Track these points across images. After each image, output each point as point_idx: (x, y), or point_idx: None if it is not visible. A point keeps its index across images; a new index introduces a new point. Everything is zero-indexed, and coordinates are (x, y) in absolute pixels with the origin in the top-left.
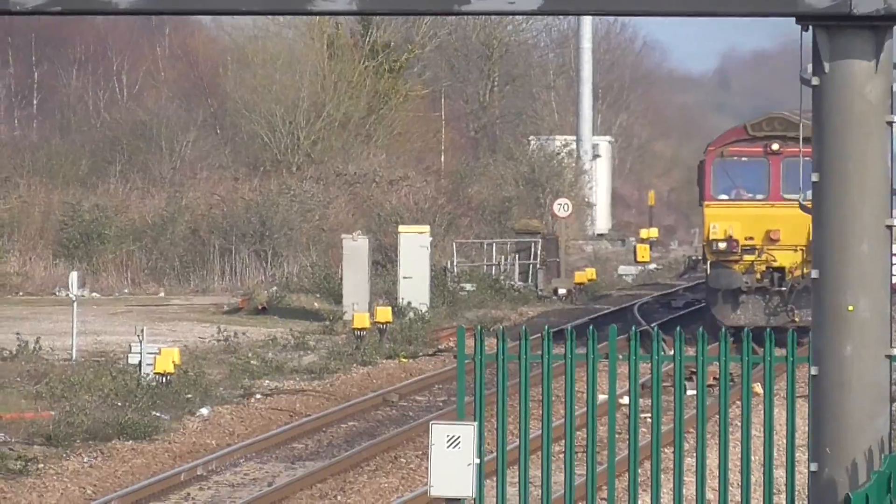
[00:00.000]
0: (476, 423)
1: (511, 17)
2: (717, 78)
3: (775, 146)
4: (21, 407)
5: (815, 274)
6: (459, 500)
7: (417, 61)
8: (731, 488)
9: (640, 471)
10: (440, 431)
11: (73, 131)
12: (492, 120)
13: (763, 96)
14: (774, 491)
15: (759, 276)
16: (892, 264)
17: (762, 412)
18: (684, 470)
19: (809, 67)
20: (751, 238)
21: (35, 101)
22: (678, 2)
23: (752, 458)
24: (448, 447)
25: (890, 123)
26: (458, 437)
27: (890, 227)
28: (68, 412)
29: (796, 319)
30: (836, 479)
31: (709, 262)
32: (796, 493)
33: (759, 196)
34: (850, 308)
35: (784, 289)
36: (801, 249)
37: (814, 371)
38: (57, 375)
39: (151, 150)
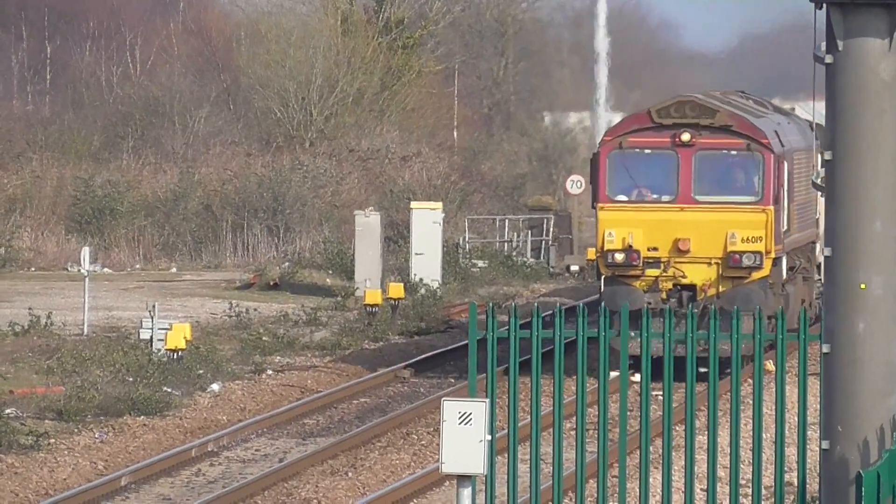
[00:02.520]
0: (487, 400)
1: None
2: (730, 57)
3: (686, 136)
4: (33, 382)
5: (827, 252)
6: (470, 476)
7: (431, 38)
8: (742, 466)
9: (651, 448)
10: (452, 408)
11: (85, 106)
12: (505, 96)
13: (777, 73)
14: (786, 469)
15: (664, 294)
16: None
17: (774, 390)
18: (696, 447)
19: (823, 46)
20: (655, 249)
21: (48, 76)
22: None
23: (764, 435)
24: (460, 424)
25: None
26: (470, 414)
27: None
28: (80, 387)
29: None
30: (848, 456)
31: (603, 278)
32: (808, 470)
33: (666, 197)
34: (863, 286)
35: (695, 311)
36: (717, 263)
37: (825, 349)
38: (68, 350)
39: (164, 126)
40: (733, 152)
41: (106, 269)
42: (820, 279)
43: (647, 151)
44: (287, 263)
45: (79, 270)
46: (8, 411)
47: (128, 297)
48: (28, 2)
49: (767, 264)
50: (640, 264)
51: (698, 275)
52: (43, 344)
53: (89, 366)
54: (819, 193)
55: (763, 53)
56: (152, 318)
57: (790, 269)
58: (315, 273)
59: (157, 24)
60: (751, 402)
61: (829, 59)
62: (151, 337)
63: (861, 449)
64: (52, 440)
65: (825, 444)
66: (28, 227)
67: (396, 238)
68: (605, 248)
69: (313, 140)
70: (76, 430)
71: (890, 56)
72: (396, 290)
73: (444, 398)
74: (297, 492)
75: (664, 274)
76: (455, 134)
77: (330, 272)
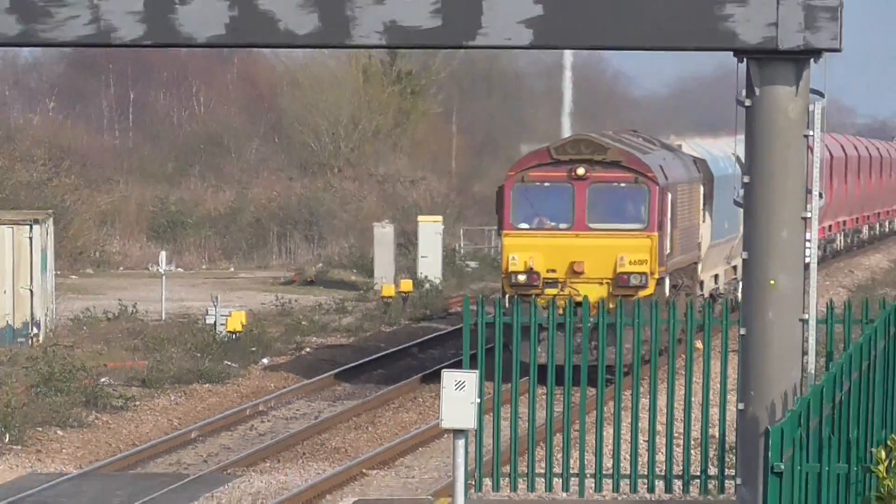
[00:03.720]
0: (477, 371)
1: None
2: (670, 100)
3: (581, 171)
4: (122, 357)
5: (745, 255)
6: (464, 430)
7: (434, 85)
8: (675, 422)
9: (605, 408)
10: (449, 377)
11: (160, 140)
12: (492, 130)
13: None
14: (710, 424)
15: (561, 311)
16: (805, 248)
17: (702, 364)
18: (640, 408)
19: (744, 92)
20: (553, 270)
21: (130, 116)
22: (639, 38)
23: (693, 399)
24: (456, 390)
25: (806, 136)
26: (464, 382)
27: (804, 219)
28: (159, 361)
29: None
30: (759, 415)
31: (507, 297)
32: (727, 426)
33: (563, 225)
34: (773, 282)
35: (589, 325)
36: (607, 282)
37: (743, 332)
38: (150, 333)
39: (223, 155)
40: (622, 184)
41: (178, 269)
42: (702, 294)
43: (546, 184)
44: (320, 264)
45: (157, 270)
46: (103, 380)
47: (196, 291)
48: (115, 55)
49: (652, 283)
50: (540, 284)
51: (591, 293)
52: (130, 328)
53: (166, 344)
54: (701, 220)
55: (697, 98)
56: (215, 306)
57: (673, 286)
58: (342, 272)
59: (216, 74)
60: (684, 373)
61: (748, 102)
62: (215, 322)
63: (769, 410)
64: (137, 403)
65: (741, 406)
66: (116, 235)
67: (406, 244)
68: (509, 270)
69: (341, 167)
70: (156, 395)
71: (797, 99)
72: (406, 285)
73: (443, 370)
74: (328, 442)
75: (561, 293)
76: (453, 161)
77: (354, 271)
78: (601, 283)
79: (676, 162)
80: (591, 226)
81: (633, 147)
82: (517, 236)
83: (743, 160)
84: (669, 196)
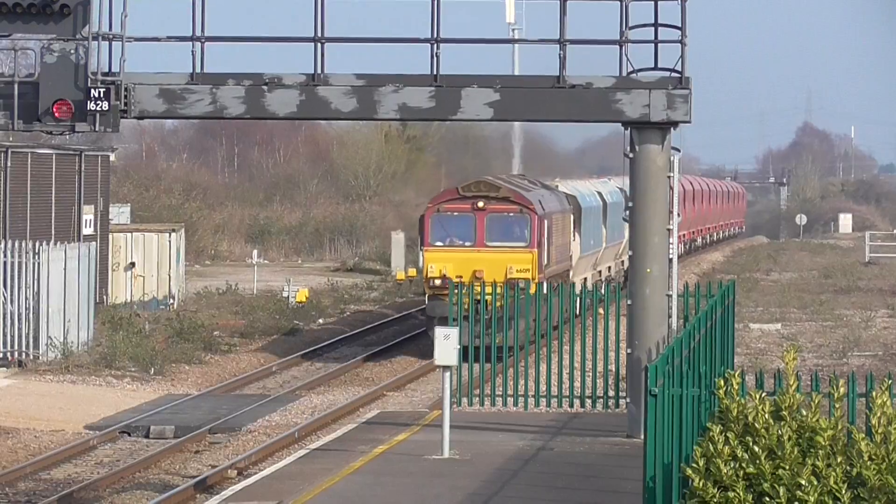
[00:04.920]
0: (458, 328)
1: (477, 122)
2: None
3: (481, 204)
4: (227, 318)
5: (630, 252)
6: (449, 366)
7: (430, 144)
8: (587, 362)
9: (541, 352)
10: (440, 331)
11: (254, 179)
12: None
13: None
14: (610, 363)
15: (466, 306)
16: (669, 248)
17: (603, 323)
18: (563, 351)
19: (628, 147)
20: (460, 276)
21: (235, 163)
22: (561, 114)
23: (598, 346)
24: (444, 339)
25: (669, 177)
26: (450, 334)
27: (669, 230)
28: (252, 321)
29: (497, 341)
30: (641, 357)
31: (427, 296)
32: (620, 364)
33: (468, 243)
34: (649, 270)
35: (487, 317)
36: (501, 285)
37: (629, 303)
38: (246, 302)
39: (294, 188)
40: (511, 214)
41: (265, 261)
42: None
43: (455, 213)
44: (356, 258)
45: (251, 262)
46: (215, 333)
47: (276, 275)
48: (226, 125)
49: (533, 287)
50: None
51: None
52: (233, 299)
53: (256, 310)
54: (572, 239)
55: (599, 151)
56: (288, 285)
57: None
58: (371, 263)
59: (291, 137)
60: (591, 329)
61: (631, 155)
62: (288, 295)
63: (647, 353)
64: (238, 348)
65: (629, 350)
66: (225, 239)
67: (412, 245)
68: (428, 276)
69: (370, 196)
70: (249, 343)
71: (662, 153)
72: (412, 272)
73: (437, 326)
74: (361, 374)
75: (466, 293)
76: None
77: (378, 263)
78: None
79: (552, 197)
80: (488, 244)
81: (519, 187)
82: (434, 251)
83: (628, 192)
84: (546, 222)
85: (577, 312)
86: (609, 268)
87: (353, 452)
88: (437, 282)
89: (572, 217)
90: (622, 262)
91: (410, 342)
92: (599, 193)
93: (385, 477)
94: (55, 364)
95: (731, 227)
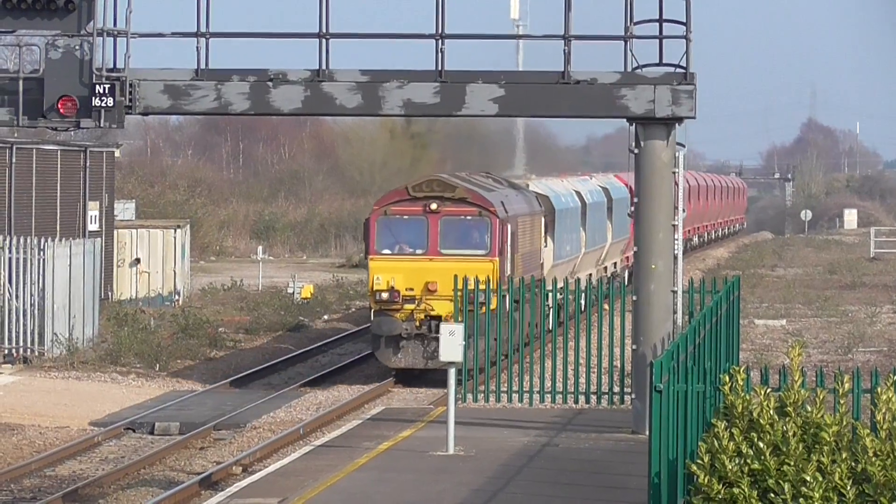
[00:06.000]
0: (463, 324)
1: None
2: (588, 148)
3: (434, 206)
4: (232, 314)
5: (636, 248)
6: (454, 362)
7: (434, 141)
8: (592, 358)
9: (547, 346)
10: (446, 327)
11: (259, 175)
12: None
13: (613, 157)
14: (615, 359)
15: (418, 323)
16: (674, 244)
17: (608, 319)
18: (569, 348)
19: (633, 144)
20: (411, 289)
21: (240, 159)
22: (566, 110)
23: (603, 342)
24: (449, 335)
25: (673, 172)
26: (455, 330)
27: (674, 225)
28: (257, 317)
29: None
30: (646, 353)
31: (373, 311)
32: (626, 359)
33: (419, 251)
34: (654, 266)
35: (441, 335)
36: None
37: (634, 298)
38: (251, 298)
39: (299, 184)
40: (468, 217)
41: (270, 257)
42: (547, 305)
43: (405, 217)
44: (361, 254)
45: (256, 257)
46: (220, 329)
47: (281, 271)
48: (230, 121)
49: (495, 300)
50: (400, 300)
51: (443, 308)
52: (238, 295)
53: (261, 306)
54: (543, 245)
55: (604, 147)
56: (294, 281)
57: (515, 301)
58: None
59: (296, 133)
60: (596, 325)
61: (636, 151)
62: (293, 291)
63: (652, 349)
64: (243, 344)
65: (634, 346)
66: (230, 235)
67: None
68: (374, 289)
69: (375, 192)
70: (254, 339)
71: (667, 149)
72: None
73: (442, 322)
74: (366, 370)
75: (418, 308)
76: None
77: None
78: (451, 300)
79: (519, 198)
80: (443, 252)
81: (479, 186)
82: (381, 261)
83: (634, 188)
84: (509, 227)
85: (549, 328)
86: (590, 276)
87: (357, 449)
88: (385, 295)
89: (543, 220)
90: (605, 268)
91: None
92: (578, 193)
93: (390, 473)
94: (60, 360)
95: (731, 225)
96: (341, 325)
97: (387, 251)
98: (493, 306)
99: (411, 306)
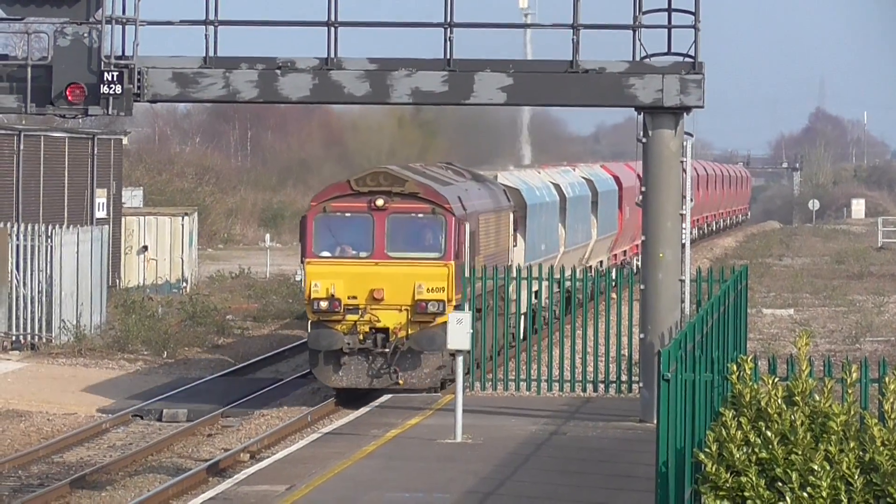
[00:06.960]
0: (470, 312)
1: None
2: (596, 137)
3: (380, 202)
4: (241, 302)
5: (644, 237)
6: (462, 350)
7: (442, 129)
8: (599, 347)
9: (555, 335)
10: (453, 317)
11: (268, 163)
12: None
13: (620, 146)
14: (623, 348)
15: (361, 336)
16: (682, 233)
17: (616, 307)
18: (576, 336)
19: (641, 132)
20: (354, 297)
21: (248, 147)
22: (574, 98)
23: (611, 330)
24: (457, 324)
25: (681, 162)
26: (462, 319)
27: (681, 214)
28: (265, 304)
29: (400, 382)
30: (654, 342)
31: (310, 322)
32: (633, 348)
33: (363, 253)
34: (661, 255)
35: (387, 350)
36: (406, 309)
37: (642, 287)
38: (258, 286)
39: (307, 172)
40: (420, 215)
41: (277, 245)
42: (516, 313)
43: (347, 214)
44: None
45: (264, 245)
46: (228, 317)
47: (288, 259)
48: (239, 109)
49: (450, 310)
50: (342, 310)
51: (391, 319)
52: (245, 283)
53: (269, 294)
54: (512, 244)
55: (613, 136)
56: (301, 269)
57: (477, 310)
58: None
59: (304, 121)
60: (603, 313)
61: (644, 140)
62: (301, 279)
63: (660, 338)
64: (251, 331)
65: (642, 335)
66: (238, 223)
67: None
68: (312, 297)
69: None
70: (262, 326)
71: (675, 138)
72: None
73: (450, 312)
74: None
75: (362, 319)
76: None
77: None
78: (400, 310)
79: (483, 192)
80: (390, 254)
81: (433, 179)
82: (319, 264)
83: (642, 177)
84: (468, 225)
85: (524, 336)
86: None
87: (365, 436)
88: (324, 304)
89: (512, 216)
90: (590, 266)
91: None
92: (556, 186)
93: (397, 461)
94: (68, 347)
95: (734, 215)
96: None
97: (326, 254)
98: (446, 318)
99: (354, 317)
